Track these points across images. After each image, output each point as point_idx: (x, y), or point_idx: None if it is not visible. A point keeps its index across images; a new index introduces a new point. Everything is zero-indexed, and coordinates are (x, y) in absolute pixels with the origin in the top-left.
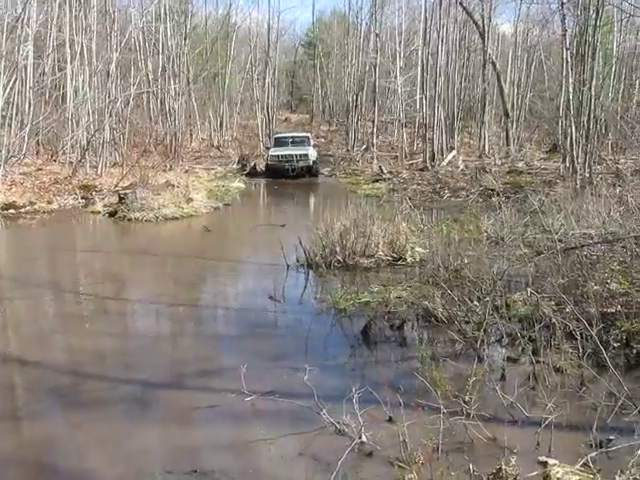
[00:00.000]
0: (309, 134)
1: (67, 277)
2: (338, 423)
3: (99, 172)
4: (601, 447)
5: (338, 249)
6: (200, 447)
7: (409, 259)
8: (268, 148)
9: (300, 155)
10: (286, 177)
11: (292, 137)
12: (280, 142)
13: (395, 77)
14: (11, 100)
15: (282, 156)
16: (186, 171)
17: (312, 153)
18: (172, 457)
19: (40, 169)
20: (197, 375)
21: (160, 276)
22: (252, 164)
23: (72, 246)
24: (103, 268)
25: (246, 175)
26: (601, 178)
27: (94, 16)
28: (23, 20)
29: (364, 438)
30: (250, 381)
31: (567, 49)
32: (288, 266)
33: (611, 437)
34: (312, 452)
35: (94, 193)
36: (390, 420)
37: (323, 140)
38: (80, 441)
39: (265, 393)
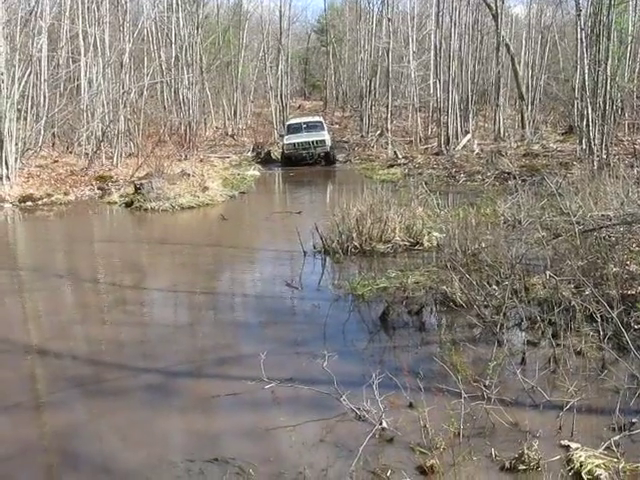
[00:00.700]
0: (322, 118)
1: (86, 267)
2: (358, 409)
3: (115, 163)
4: (624, 430)
5: (355, 235)
6: (221, 435)
7: (426, 244)
8: (282, 136)
9: (317, 142)
10: (302, 165)
11: (305, 122)
12: (293, 128)
13: (408, 62)
14: (26, 93)
15: (298, 144)
16: (201, 160)
17: (328, 138)
18: (193, 445)
19: (56, 161)
20: (216, 363)
21: (178, 265)
22: (266, 151)
23: (90, 237)
24: (121, 258)
25: (261, 163)
26: (618, 159)
27: (106, 7)
28: (37, 13)
29: (385, 424)
30: (269, 368)
31: (581, 29)
32: (305, 253)
33: (634, 420)
34: (333, 438)
35: (110, 184)
36: (410, 406)
37: (337, 126)
38: (101, 429)
39: (285, 380)
